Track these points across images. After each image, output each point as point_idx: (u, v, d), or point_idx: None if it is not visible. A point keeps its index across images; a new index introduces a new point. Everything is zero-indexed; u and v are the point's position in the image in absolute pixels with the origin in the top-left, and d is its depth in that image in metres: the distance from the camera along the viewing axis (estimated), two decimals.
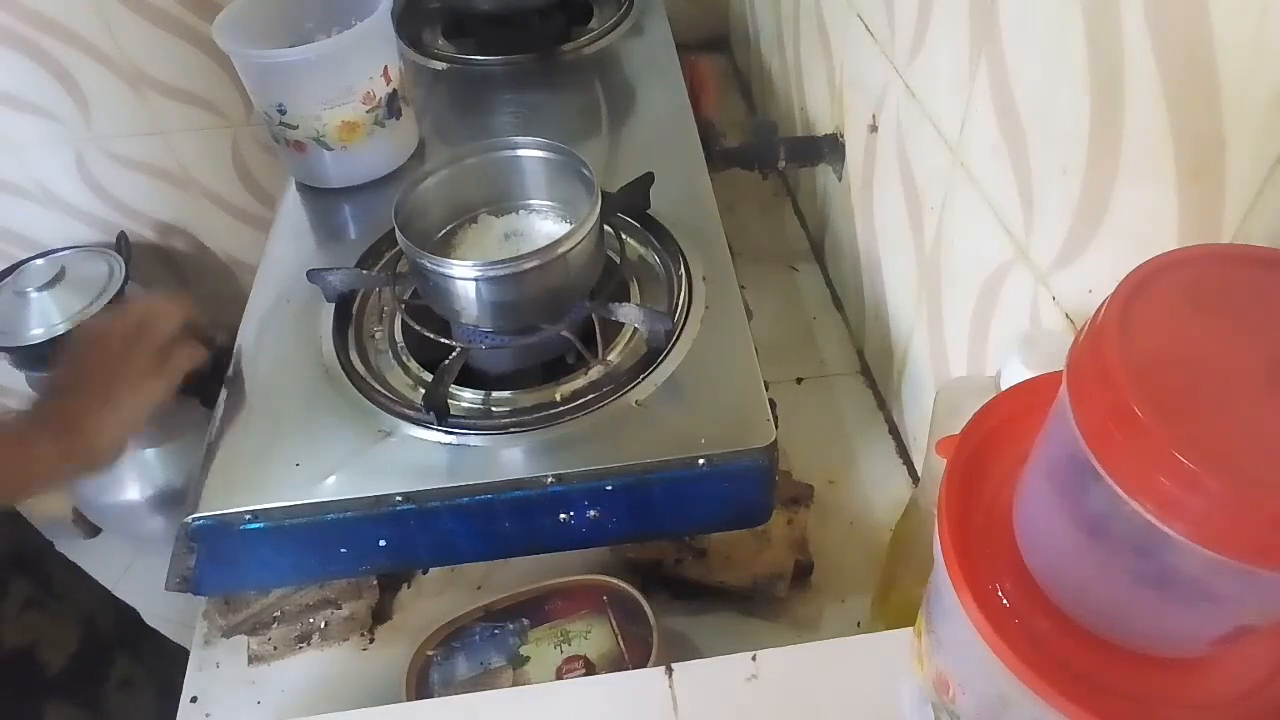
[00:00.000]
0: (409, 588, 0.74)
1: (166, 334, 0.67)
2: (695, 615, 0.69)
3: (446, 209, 0.75)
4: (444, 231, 0.75)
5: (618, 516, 0.63)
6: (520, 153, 0.75)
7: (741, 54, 1.34)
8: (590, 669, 0.62)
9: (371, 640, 0.71)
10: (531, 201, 0.78)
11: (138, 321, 0.66)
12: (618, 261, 0.76)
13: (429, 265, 0.65)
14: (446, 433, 0.63)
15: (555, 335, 0.69)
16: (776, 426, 0.62)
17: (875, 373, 0.89)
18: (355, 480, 0.61)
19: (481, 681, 0.63)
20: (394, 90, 0.85)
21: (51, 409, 0.63)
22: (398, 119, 0.87)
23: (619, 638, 0.64)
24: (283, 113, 0.81)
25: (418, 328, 0.70)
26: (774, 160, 0.95)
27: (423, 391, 0.66)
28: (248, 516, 0.60)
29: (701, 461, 0.60)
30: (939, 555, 0.36)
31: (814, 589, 0.71)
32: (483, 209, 0.77)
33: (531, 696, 0.55)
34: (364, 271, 0.76)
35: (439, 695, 0.63)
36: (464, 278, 0.64)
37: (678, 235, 0.76)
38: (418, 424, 0.64)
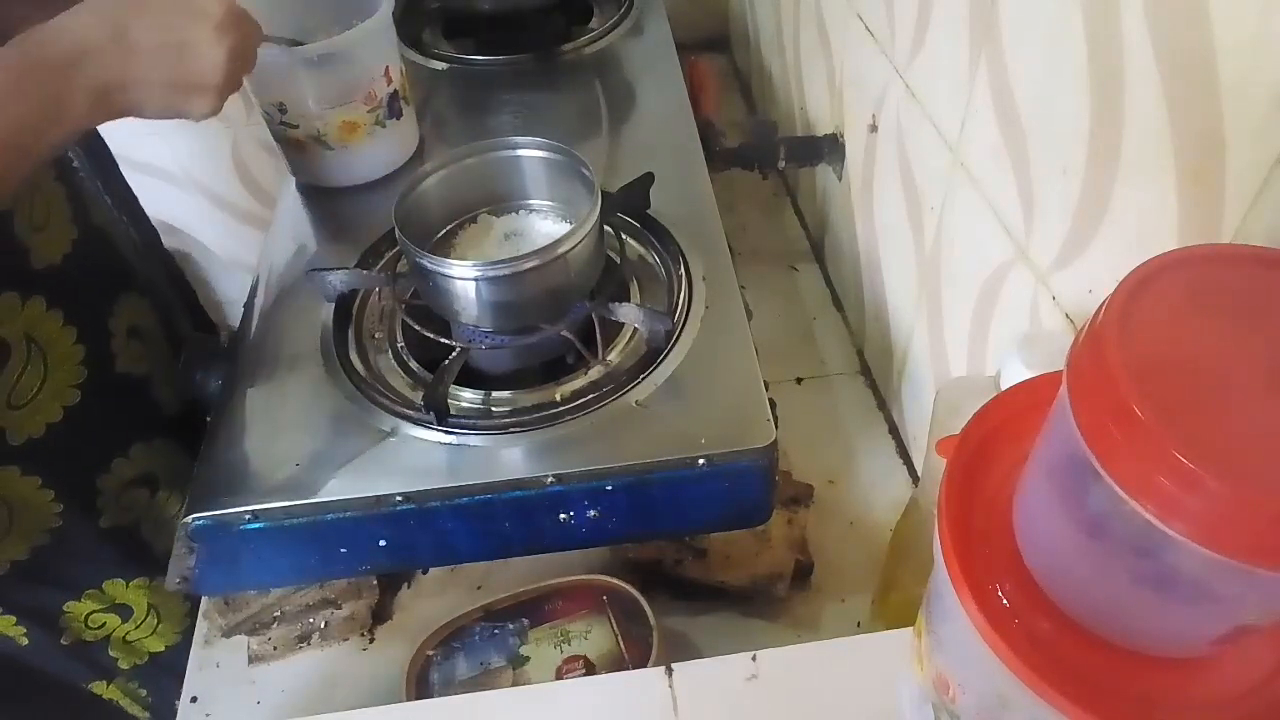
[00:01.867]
0: (409, 588, 0.74)
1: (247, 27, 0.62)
2: (695, 615, 0.69)
3: (446, 209, 0.75)
4: (444, 231, 0.75)
5: (618, 516, 0.63)
6: (520, 153, 0.75)
7: (741, 54, 1.34)
8: (590, 669, 0.63)
9: (371, 640, 0.71)
10: (531, 201, 0.77)
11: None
12: (618, 261, 0.76)
13: (429, 265, 0.65)
14: (446, 433, 0.63)
15: (555, 335, 0.69)
16: (776, 426, 0.62)
17: (875, 373, 0.89)
18: (355, 480, 0.61)
19: (481, 681, 0.63)
20: (395, 90, 0.85)
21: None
22: (398, 119, 0.87)
23: (619, 638, 0.64)
24: (283, 112, 0.81)
25: (418, 328, 0.70)
26: (774, 160, 0.95)
27: (423, 391, 0.66)
28: (248, 516, 0.60)
29: (701, 461, 0.60)
30: (939, 555, 0.36)
31: (814, 589, 0.71)
32: (483, 209, 0.77)
33: (531, 696, 0.55)
34: (364, 271, 0.76)
35: (439, 695, 0.63)
36: (464, 278, 0.64)
37: (678, 235, 0.76)
38: (418, 424, 0.64)
